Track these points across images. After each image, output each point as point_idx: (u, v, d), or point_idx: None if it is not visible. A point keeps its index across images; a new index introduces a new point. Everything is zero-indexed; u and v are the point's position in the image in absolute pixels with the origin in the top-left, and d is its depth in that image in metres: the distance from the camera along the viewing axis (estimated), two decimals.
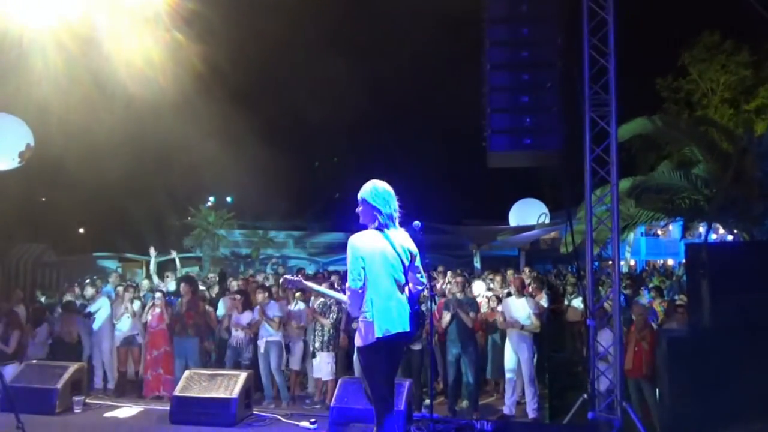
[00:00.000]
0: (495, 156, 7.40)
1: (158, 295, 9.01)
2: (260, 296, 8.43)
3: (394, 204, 4.30)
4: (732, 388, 5.32)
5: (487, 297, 9.11)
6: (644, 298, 10.68)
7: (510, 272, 11.29)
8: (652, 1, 21.70)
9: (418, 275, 4.37)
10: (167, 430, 6.30)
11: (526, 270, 11.98)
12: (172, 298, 9.19)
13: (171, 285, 11.02)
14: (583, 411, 6.70)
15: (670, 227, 28.61)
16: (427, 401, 7.37)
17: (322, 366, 8.16)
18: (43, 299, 10.29)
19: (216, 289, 10.66)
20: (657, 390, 6.91)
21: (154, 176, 21.37)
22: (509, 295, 8.53)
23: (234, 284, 10.68)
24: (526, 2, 7.23)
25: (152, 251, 11.69)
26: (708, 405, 5.36)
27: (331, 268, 22.66)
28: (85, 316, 9.18)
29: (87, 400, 7.03)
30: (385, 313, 4.12)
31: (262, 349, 8.20)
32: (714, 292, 5.57)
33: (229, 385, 6.49)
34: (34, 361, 7.63)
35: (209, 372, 6.94)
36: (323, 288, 5.57)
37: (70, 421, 6.50)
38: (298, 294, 8.71)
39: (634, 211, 11.05)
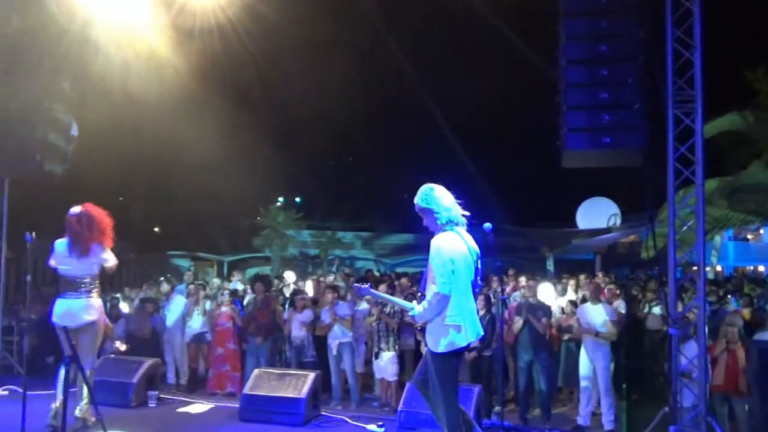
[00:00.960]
0: (571, 155, 7.21)
1: (226, 293, 9.28)
2: (330, 296, 8.52)
3: (451, 201, 4.26)
4: None
5: (559, 302, 8.91)
6: (731, 306, 10.17)
7: (583, 277, 10.98)
8: None
9: (479, 278, 4.37)
10: (236, 428, 6.48)
11: (600, 275, 11.63)
12: (236, 299, 9.42)
13: (239, 285, 11.33)
14: (663, 425, 6.45)
15: (761, 231, 27.20)
16: (497, 408, 7.28)
17: (387, 366, 8.18)
18: (119, 295, 10.77)
19: (290, 290, 10.84)
20: (747, 405, 6.57)
21: (224, 176, 22.01)
22: (584, 300, 8.31)
23: (307, 284, 10.91)
24: None
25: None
26: None
27: (399, 269, 22.76)
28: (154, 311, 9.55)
29: (161, 395, 7.33)
30: (472, 316, 4.12)
31: (334, 351, 8.29)
32: None
33: (298, 384, 6.62)
34: (112, 355, 8.00)
35: (278, 371, 7.10)
36: (391, 297, 5.58)
37: (145, 415, 6.79)
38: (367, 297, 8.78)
39: (722, 214, 10.57)
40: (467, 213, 4.33)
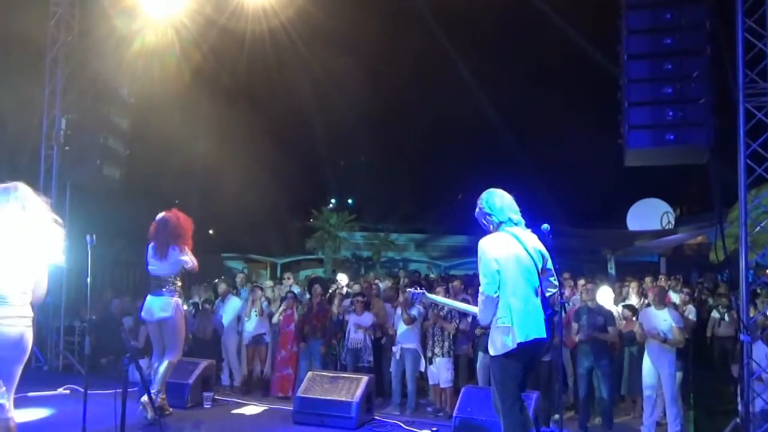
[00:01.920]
0: (633, 154, 7.03)
1: (289, 296, 9.40)
2: (403, 297, 8.52)
3: (512, 206, 4.31)
4: None
5: (619, 307, 8.70)
6: None
7: (648, 280, 10.68)
8: None
9: (552, 278, 4.31)
10: (289, 430, 6.57)
11: (662, 278, 11.28)
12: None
13: (294, 287, 11.48)
14: None
15: None
16: (556, 416, 7.16)
17: (441, 372, 8.14)
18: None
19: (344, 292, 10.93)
20: None
21: (277, 178, 22.37)
22: (647, 305, 8.09)
23: (356, 287, 10.95)
24: None
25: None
26: None
27: (453, 272, 22.64)
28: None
29: (215, 396, 7.50)
30: (525, 318, 4.04)
31: (397, 356, 8.31)
32: None
33: (351, 388, 6.65)
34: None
35: (331, 374, 7.16)
36: (449, 300, 5.55)
37: (201, 416, 6.95)
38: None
39: None
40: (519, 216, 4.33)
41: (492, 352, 4.14)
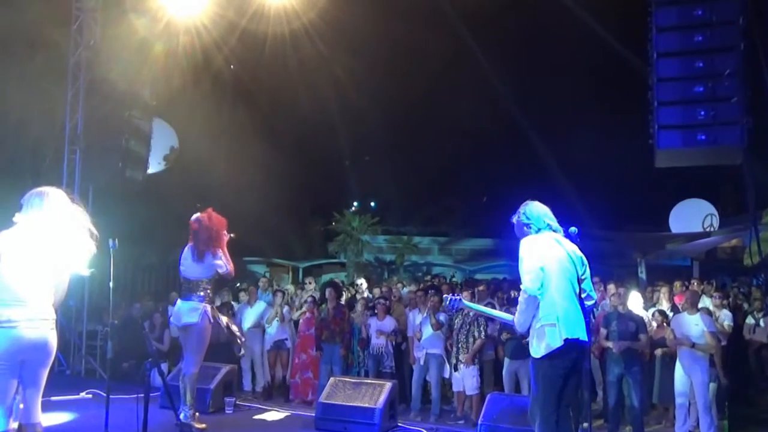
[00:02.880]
0: (664, 154, 6.97)
1: (309, 299, 9.44)
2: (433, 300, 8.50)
3: (548, 214, 4.31)
4: None
5: (650, 312, 8.58)
6: None
7: (678, 284, 10.51)
8: None
9: (589, 288, 4.26)
10: None
11: (695, 282, 11.11)
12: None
13: (317, 292, 11.52)
14: None
15: None
16: (585, 425, 7.09)
17: (467, 379, 8.10)
18: None
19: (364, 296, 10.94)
20: None
21: (299, 181, 22.51)
22: (676, 310, 7.97)
23: (376, 291, 10.96)
24: None
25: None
26: None
27: (478, 276, 22.53)
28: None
29: (237, 402, 7.56)
30: (571, 316, 3.97)
31: (421, 361, 8.29)
32: None
33: (374, 394, 6.66)
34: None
35: (354, 380, 7.17)
36: (485, 308, 5.50)
37: (223, 421, 7.01)
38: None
39: None
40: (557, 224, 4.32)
41: (536, 354, 4.05)
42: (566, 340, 3.88)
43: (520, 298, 4.13)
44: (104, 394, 5.35)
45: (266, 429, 6.93)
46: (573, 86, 23.34)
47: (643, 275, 17.42)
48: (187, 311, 6.24)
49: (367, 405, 6.56)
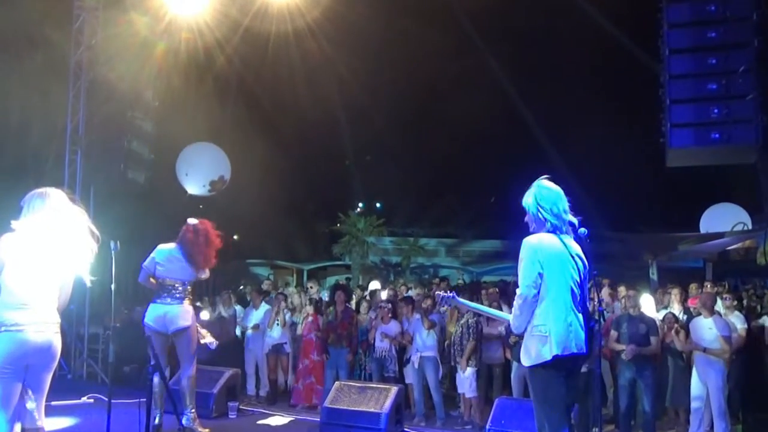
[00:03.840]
0: (676, 153, 6.93)
1: (311, 304, 9.44)
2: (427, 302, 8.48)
3: (563, 205, 4.08)
4: None
5: (661, 314, 8.53)
6: None
7: (693, 286, 10.44)
8: None
9: (589, 291, 4.16)
10: None
11: (708, 285, 11.05)
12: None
13: (323, 293, 11.53)
14: None
15: None
16: (596, 430, 7.05)
17: (465, 382, 8.06)
18: (199, 303, 11.16)
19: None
20: None
21: (303, 182, 22.52)
22: (688, 314, 7.91)
23: (383, 294, 10.93)
24: None
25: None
26: None
27: (486, 278, 22.50)
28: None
29: (241, 406, 7.55)
30: (565, 329, 3.84)
31: (416, 365, 8.26)
32: None
33: (380, 398, 6.65)
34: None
35: (359, 384, 7.16)
36: (480, 305, 5.48)
37: (226, 426, 7.02)
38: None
39: None
40: (575, 219, 4.12)
41: (526, 362, 3.95)
42: (555, 356, 3.77)
43: (515, 302, 4.01)
44: (106, 399, 5.35)
45: None
46: (582, 84, 23.30)
47: (654, 277, 17.34)
48: (180, 315, 6.31)
49: (372, 410, 6.55)
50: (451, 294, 4.89)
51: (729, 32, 6.66)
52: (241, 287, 12.66)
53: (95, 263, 4.26)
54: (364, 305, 9.71)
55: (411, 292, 11.52)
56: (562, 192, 4.10)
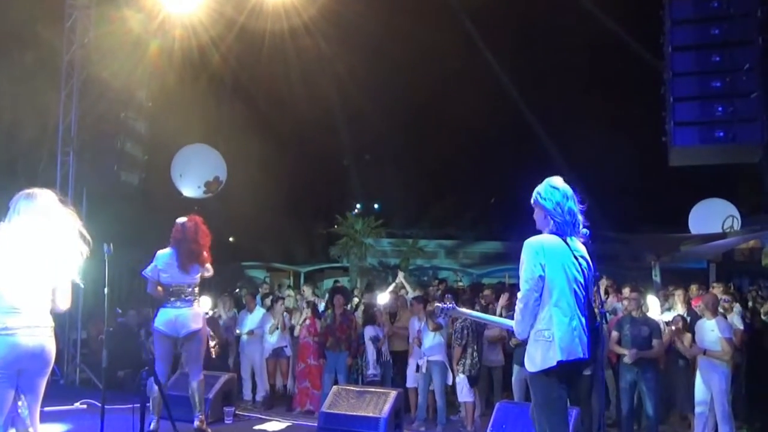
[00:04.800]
0: (679, 152, 6.93)
1: (305, 308, 9.44)
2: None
3: (572, 205, 4.03)
4: None
5: (664, 316, 8.53)
6: None
7: (694, 288, 10.42)
8: None
9: (593, 294, 4.12)
10: None
11: (714, 286, 11.03)
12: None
13: (321, 296, 11.51)
14: None
15: None
16: None
17: (458, 387, 8.05)
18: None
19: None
20: None
21: (300, 182, 22.48)
22: (692, 315, 7.90)
23: (382, 298, 10.93)
24: None
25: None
26: None
27: (486, 280, 22.48)
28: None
29: (237, 411, 7.54)
30: (569, 334, 3.79)
31: (423, 369, 8.25)
32: None
33: (379, 403, 6.64)
34: (187, 369, 8.28)
35: (358, 388, 7.15)
36: (480, 314, 5.47)
37: (222, 431, 6.99)
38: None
39: None
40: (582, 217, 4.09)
41: (531, 369, 3.91)
42: (560, 362, 3.75)
43: (516, 307, 3.96)
44: (99, 404, 5.33)
45: None
46: (584, 82, 23.31)
47: (657, 278, 17.33)
48: (191, 318, 6.35)
49: (371, 414, 6.54)
50: (451, 305, 4.87)
51: (733, 29, 6.67)
52: (237, 290, 12.62)
53: (87, 266, 4.23)
54: (362, 308, 9.72)
55: (410, 295, 11.52)
56: (569, 190, 4.06)
